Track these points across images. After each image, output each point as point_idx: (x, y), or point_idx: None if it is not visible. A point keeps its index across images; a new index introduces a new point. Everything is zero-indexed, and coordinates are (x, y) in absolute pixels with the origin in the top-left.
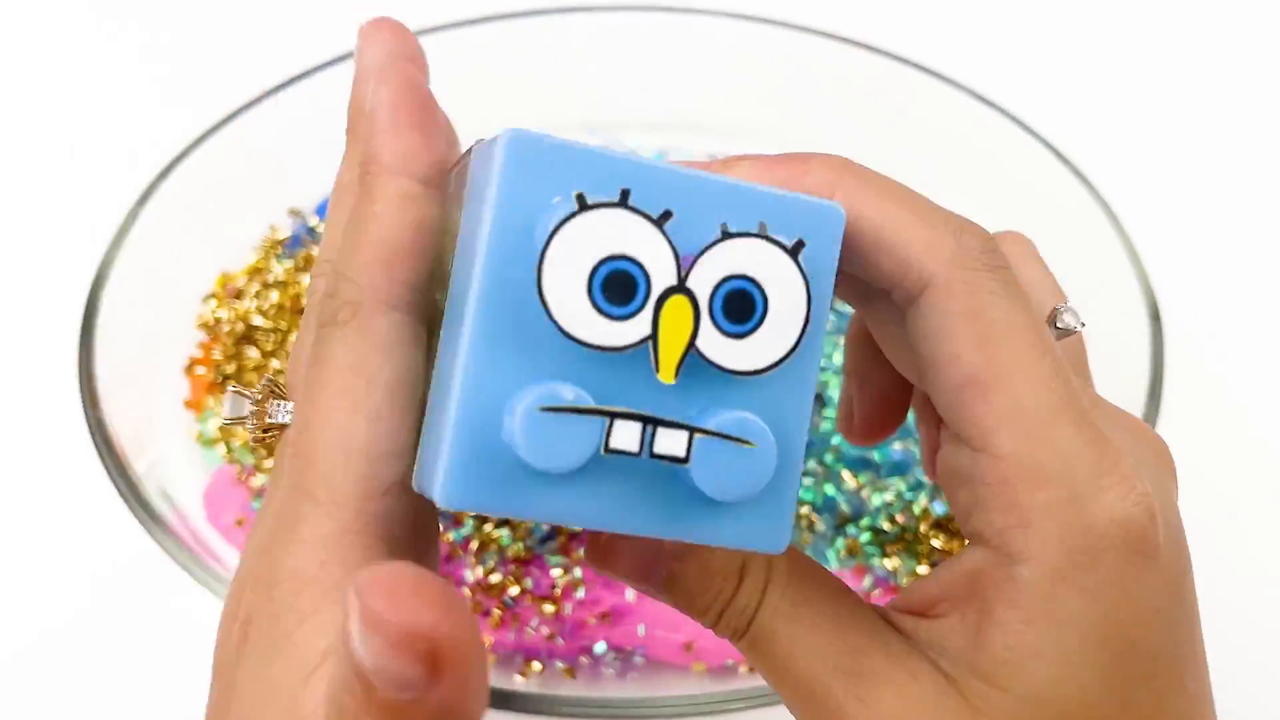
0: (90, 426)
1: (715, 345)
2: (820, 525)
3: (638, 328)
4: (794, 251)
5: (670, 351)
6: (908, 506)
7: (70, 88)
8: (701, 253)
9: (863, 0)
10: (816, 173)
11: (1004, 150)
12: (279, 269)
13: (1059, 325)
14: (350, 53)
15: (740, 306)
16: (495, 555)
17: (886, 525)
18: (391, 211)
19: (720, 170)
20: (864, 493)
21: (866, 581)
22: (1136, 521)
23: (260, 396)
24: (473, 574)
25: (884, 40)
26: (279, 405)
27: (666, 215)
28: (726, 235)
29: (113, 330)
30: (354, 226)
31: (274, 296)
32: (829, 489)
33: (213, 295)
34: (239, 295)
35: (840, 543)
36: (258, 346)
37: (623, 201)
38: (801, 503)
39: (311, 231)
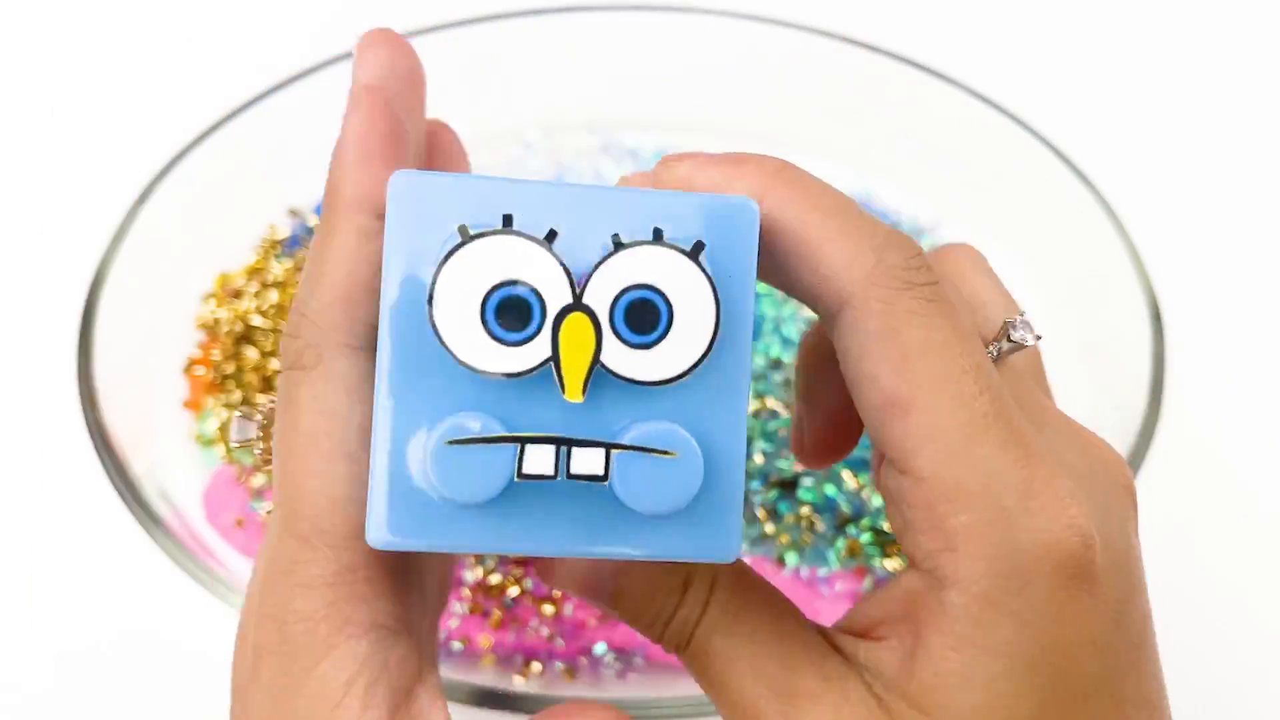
0: (89, 427)
1: (621, 358)
2: (820, 525)
3: (537, 351)
4: (693, 254)
5: (574, 370)
6: None
7: (69, 87)
8: (595, 268)
9: (863, 1)
10: (749, 176)
11: (1005, 150)
12: (278, 269)
13: (1012, 339)
14: (350, 52)
15: (643, 316)
16: (495, 556)
17: (887, 526)
18: (349, 249)
19: (661, 169)
20: (864, 493)
21: (867, 582)
22: (1067, 546)
23: (265, 421)
24: (472, 575)
25: (884, 40)
26: None
27: (552, 235)
28: (619, 246)
29: (111, 330)
30: (313, 264)
31: (273, 296)
32: (829, 489)
33: (211, 295)
34: (238, 295)
35: (841, 543)
36: (256, 346)
37: (506, 226)
38: (801, 503)
39: (311, 231)
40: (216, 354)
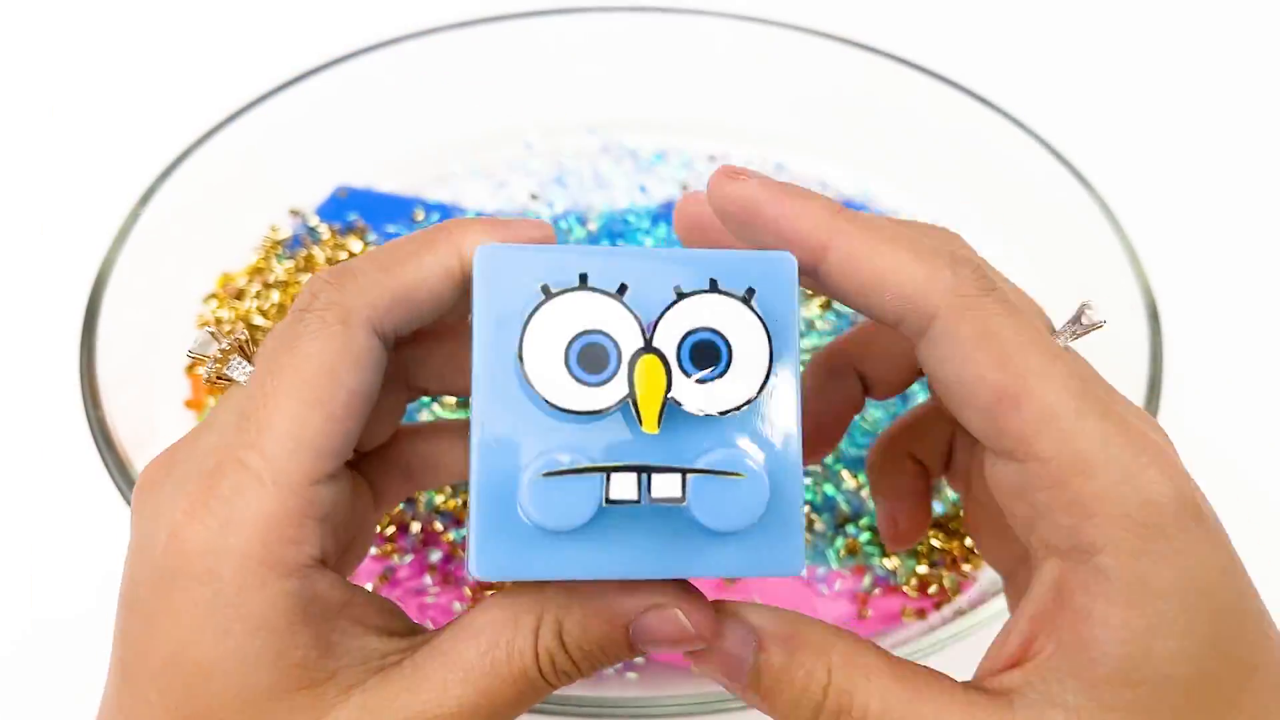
0: (91, 426)
1: (689, 393)
2: (820, 525)
3: (616, 390)
4: (746, 299)
5: (650, 405)
6: None
7: (72, 88)
8: (662, 314)
9: (863, 2)
10: (815, 214)
11: (1003, 150)
12: (280, 269)
13: (1084, 322)
14: (349, 53)
15: (705, 354)
16: None
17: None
18: (433, 261)
19: (723, 181)
20: (863, 492)
21: (866, 581)
22: (1184, 491)
23: (227, 347)
24: None
25: (884, 41)
26: (240, 364)
27: (623, 288)
28: (681, 296)
29: (114, 330)
30: (392, 248)
31: (275, 296)
32: (829, 489)
33: (214, 295)
34: (240, 295)
35: (840, 542)
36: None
37: (582, 284)
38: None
39: (312, 232)
40: (211, 331)
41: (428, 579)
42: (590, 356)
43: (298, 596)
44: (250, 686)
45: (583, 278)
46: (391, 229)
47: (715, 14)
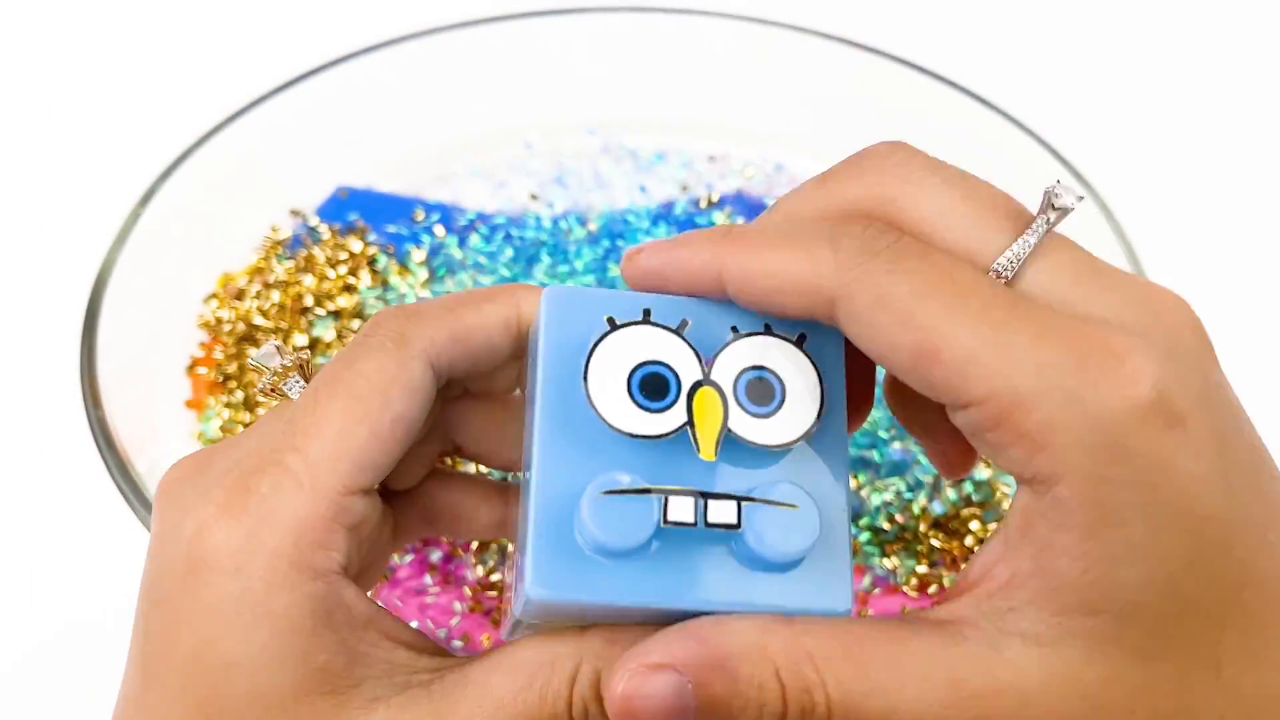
0: (92, 426)
1: (746, 425)
2: None
3: (675, 417)
4: (799, 342)
5: (707, 433)
6: (906, 506)
7: (72, 88)
8: (718, 352)
9: (862, 1)
10: (700, 252)
11: (1003, 151)
12: (280, 269)
13: (1056, 206)
14: (350, 54)
15: (761, 391)
16: (495, 555)
17: (886, 525)
18: (496, 311)
19: (626, 264)
20: (863, 492)
21: (866, 581)
22: (1140, 397)
23: (289, 364)
24: (473, 573)
25: (883, 41)
26: (296, 381)
27: (684, 324)
28: (737, 335)
29: (114, 330)
30: (459, 296)
31: (275, 296)
32: None
33: (214, 295)
34: (240, 295)
35: None
36: (259, 346)
37: (645, 319)
38: None
39: (312, 232)
40: (219, 354)
41: (428, 579)
42: (651, 385)
43: (324, 601)
44: (274, 686)
45: (646, 312)
46: (392, 229)
47: (715, 14)
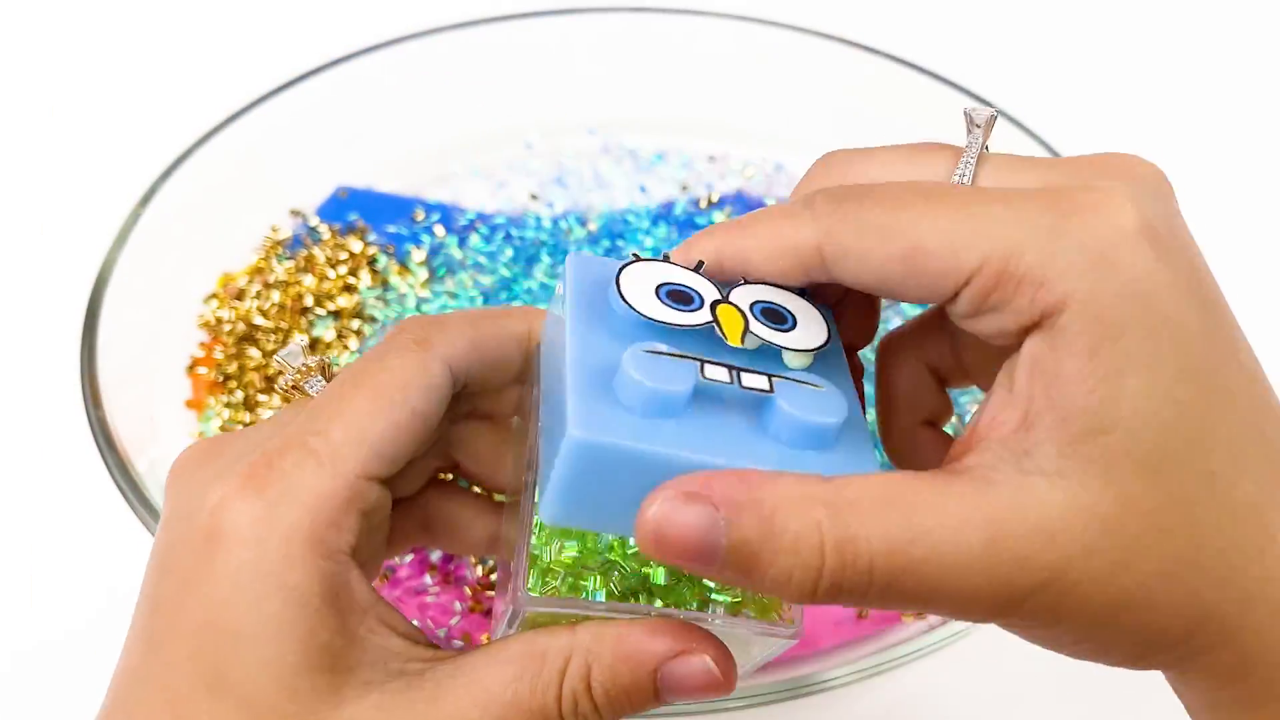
0: (92, 425)
1: (769, 332)
2: None
3: (702, 315)
4: (802, 292)
5: (733, 328)
6: None
7: (72, 88)
8: (733, 288)
9: (861, 2)
10: (695, 245)
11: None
12: (280, 269)
13: (978, 123)
14: (350, 54)
15: (775, 316)
16: (495, 557)
17: None
18: (513, 326)
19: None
20: None
21: None
22: (1123, 224)
23: (313, 364)
24: (473, 573)
25: (882, 41)
26: (318, 381)
27: (700, 264)
28: (747, 281)
29: (115, 330)
30: (480, 310)
31: (275, 296)
32: None
33: (214, 295)
34: (240, 295)
35: None
36: (259, 346)
37: (665, 259)
38: None
39: (312, 232)
40: (219, 354)
41: (428, 579)
42: (678, 295)
43: (332, 581)
44: (278, 658)
45: (665, 255)
46: (392, 229)
47: (715, 14)
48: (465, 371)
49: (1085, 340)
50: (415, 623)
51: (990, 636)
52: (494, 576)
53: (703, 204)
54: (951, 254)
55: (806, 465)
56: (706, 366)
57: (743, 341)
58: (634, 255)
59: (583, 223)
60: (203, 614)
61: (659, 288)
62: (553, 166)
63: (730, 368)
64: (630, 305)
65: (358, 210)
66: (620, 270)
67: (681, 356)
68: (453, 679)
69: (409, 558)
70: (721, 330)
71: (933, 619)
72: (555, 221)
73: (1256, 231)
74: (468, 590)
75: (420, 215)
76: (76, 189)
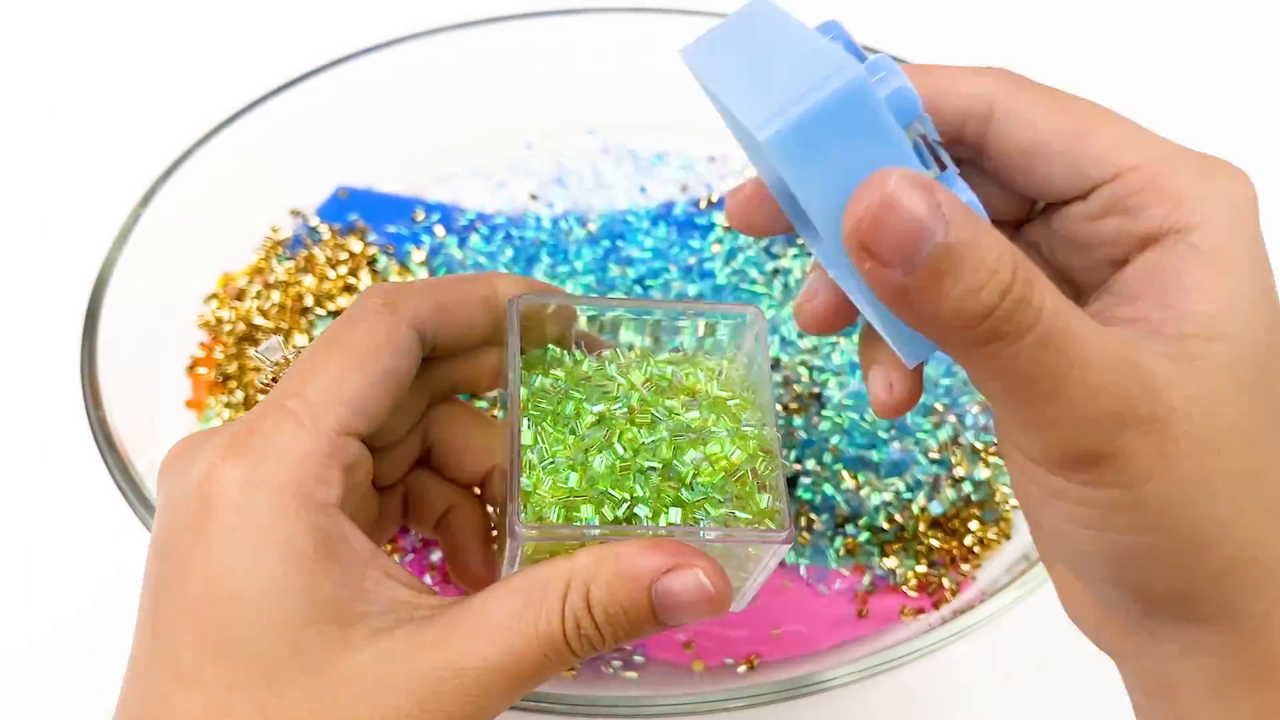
0: (92, 425)
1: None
2: (819, 525)
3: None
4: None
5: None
6: (906, 506)
7: (72, 88)
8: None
9: (860, 3)
10: (903, 76)
11: None
12: (280, 269)
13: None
14: (350, 54)
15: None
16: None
17: (885, 524)
18: (476, 289)
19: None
20: (863, 492)
21: (865, 580)
22: (1248, 194)
23: (290, 357)
24: None
25: (883, 43)
26: None
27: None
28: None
29: (115, 330)
30: (443, 277)
31: (275, 297)
32: (828, 489)
33: (214, 295)
34: (240, 296)
35: (839, 542)
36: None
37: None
38: (800, 502)
39: (313, 232)
40: (219, 354)
41: (428, 579)
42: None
43: (327, 534)
44: (281, 613)
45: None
46: (392, 229)
47: (715, 15)
48: (433, 334)
49: (1214, 259)
50: None
51: (990, 636)
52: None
53: (703, 204)
54: (1115, 148)
55: None
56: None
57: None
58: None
59: (583, 223)
60: (202, 584)
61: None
62: (553, 167)
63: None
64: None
65: (358, 210)
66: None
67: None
68: (460, 619)
69: (409, 558)
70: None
71: (931, 618)
72: (555, 222)
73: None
74: (468, 594)
75: (420, 215)
76: (77, 189)
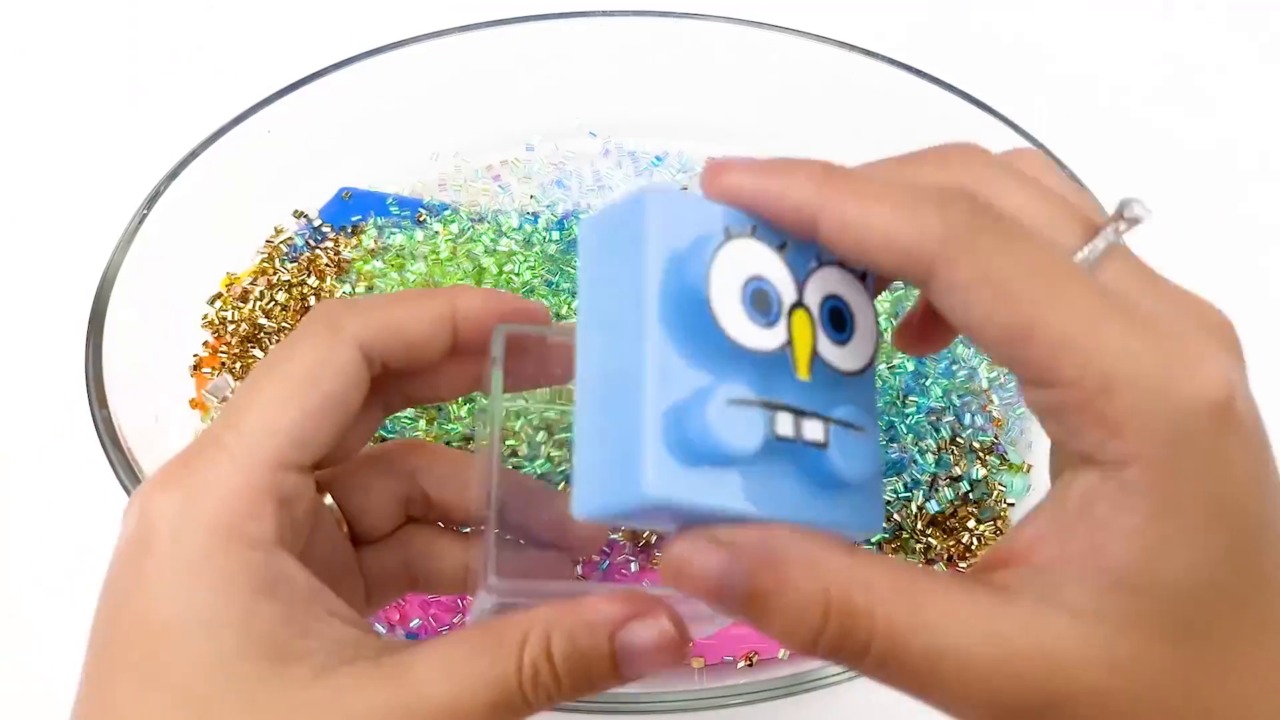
0: (98, 425)
1: (830, 351)
2: None
3: (779, 335)
4: (862, 278)
5: (803, 354)
6: (904, 505)
7: (78, 90)
8: (807, 276)
9: (862, 5)
10: (800, 185)
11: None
12: (284, 270)
13: (1127, 216)
14: (354, 57)
15: (839, 320)
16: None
17: (884, 523)
18: (432, 306)
19: (708, 177)
20: None
21: None
22: (1215, 398)
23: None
24: None
25: (877, 44)
26: None
27: (783, 245)
28: (821, 263)
29: (120, 330)
30: (396, 293)
31: (279, 297)
32: None
33: (219, 296)
34: (244, 296)
35: None
36: (263, 347)
37: (753, 234)
38: None
39: (316, 233)
40: (224, 354)
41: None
42: (760, 300)
43: (263, 569)
44: (216, 648)
45: (753, 228)
46: (394, 231)
47: (715, 18)
48: (381, 352)
49: (1147, 504)
50: (418, 621)
51: None
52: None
53: None
54: (1054, 356)
55: (835, 510)
56: (778, 418)
57: (809, 375)
58: (726, 232)
59: None
60: (137, 612)
61: (746, 284)
62: (553, 169)
63: (795, 414)
64: (721, 327)
65: (361, 212)
66: (711, 261)
67: (765, 406)
68: (411, 660)
69: None
70: (793, 358)
71: None
72: (561, 223)
73: (1255, 232)
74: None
75: (423, 217)
76: (82, 190)
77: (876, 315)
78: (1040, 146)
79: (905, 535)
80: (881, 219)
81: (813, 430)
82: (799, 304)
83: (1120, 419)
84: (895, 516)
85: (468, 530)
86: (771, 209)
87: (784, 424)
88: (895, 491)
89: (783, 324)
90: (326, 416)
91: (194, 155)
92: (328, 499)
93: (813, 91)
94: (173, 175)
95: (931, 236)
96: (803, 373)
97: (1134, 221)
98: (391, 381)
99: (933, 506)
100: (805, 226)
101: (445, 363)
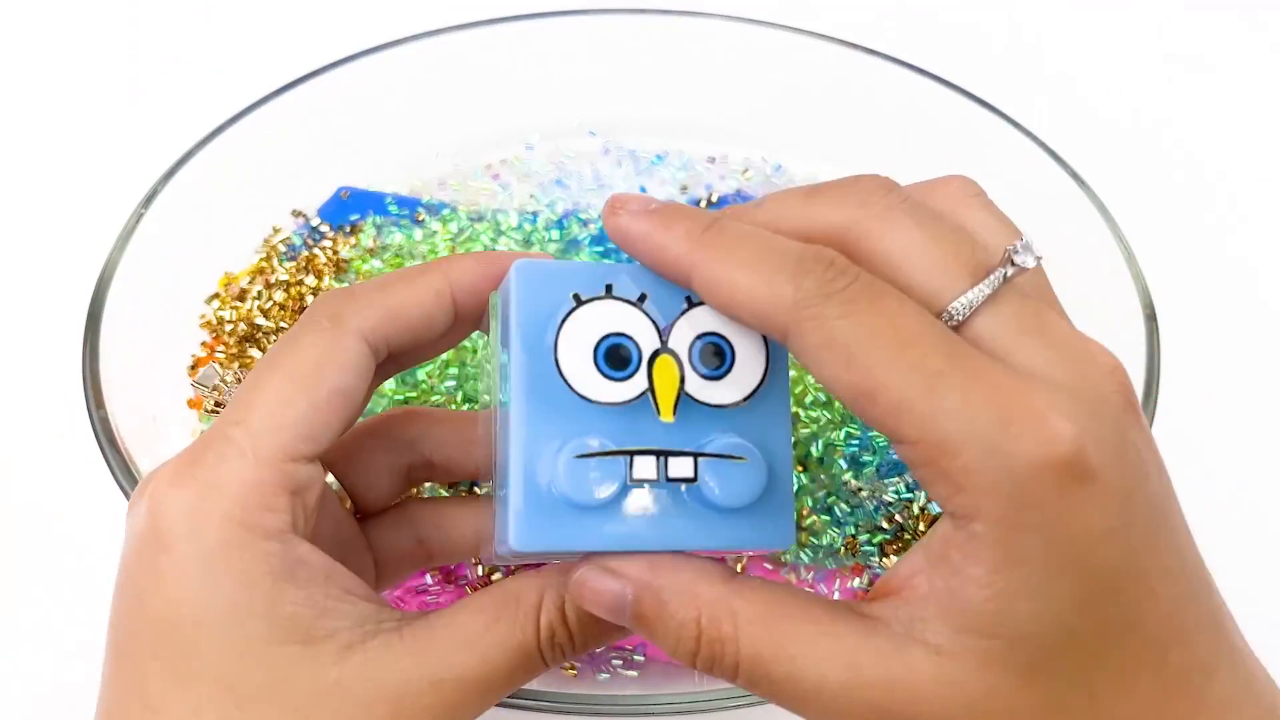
0: (95, 425)
1: (700, 388)
2: (819, 525)
3: (638, 384)
4: None
5: (666, 397)
6: (906, 506)
7: (75, 88)
8: (674, 321)
9: (861, 4)
10: (676, 243)
11: (1001, 151)
12: (282, 270)
13: (1015, 263)
14: (352, 55)
15: (713, 355)
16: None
17: (885, 524)
18: (426, 295)
19: (608, 215)
20: (862, 493)
21: (865, 580)
22: (1056, 454)
23: (231, 379)
24: (473, 573)
25: (878, 42)
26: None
27: (643, 297)
28: (691, 304)
29: (117, 330)
30: (388, 279)
31: (277, 297)
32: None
33: (216, 296)
34: (242, 296)
35: (839, 542)
36: (261, 347)
37: (608, 293)
38: (800, 503)
39: (314, 232)
40: (221, 354)
41: (429, 579)
42: (615, 356)
43: (281, 558)
44: (245, 636)
45: (608, 288)
46: (393, 230)
47: (715, 16)
48: (384, 339)
49: (990, 556)
50: None
51: None
52: (495, 576)
53: (702, 205)
54: (895, 417)
55: (727, 534)
56: (636, 463)
57: (674, 415)
58: (575, 298)
59: (583, 223)
60: (160, 611)
61: (598, 345)
62: (553, 168)
63: (658, 455)
64: (569, 384)
65: (359, 211)
66: (560, 328)
67: (611, 454)
68: (432, 630)
69: None
70: (655, 404)
71: None
72: (558, 222)
73: (1254, 232)
74: (469, 590)
75: (422, 216)
76: (79, 189)
77: (767, 341)
78: (1040, 145)
79: (907, 536)
80: (744, 282)
81: (680, 468)
82: (662, 350)
83: (960, 478)
84: (897, 517)
85: (481, 490)
86: (652, 259)
87: (643, 467)
88: (897, 492)
89: (643, 372)
90: (334, 409)
91: (191, 154)
92: (329, 476)
93: (814, 90)
94: (170, 174)
95: (783, 304)
96: (666, 415)
97: (1020, 269)
98: (391, 359)
99: (935, 507)
100: (680, 279)
101: (447, 334)
